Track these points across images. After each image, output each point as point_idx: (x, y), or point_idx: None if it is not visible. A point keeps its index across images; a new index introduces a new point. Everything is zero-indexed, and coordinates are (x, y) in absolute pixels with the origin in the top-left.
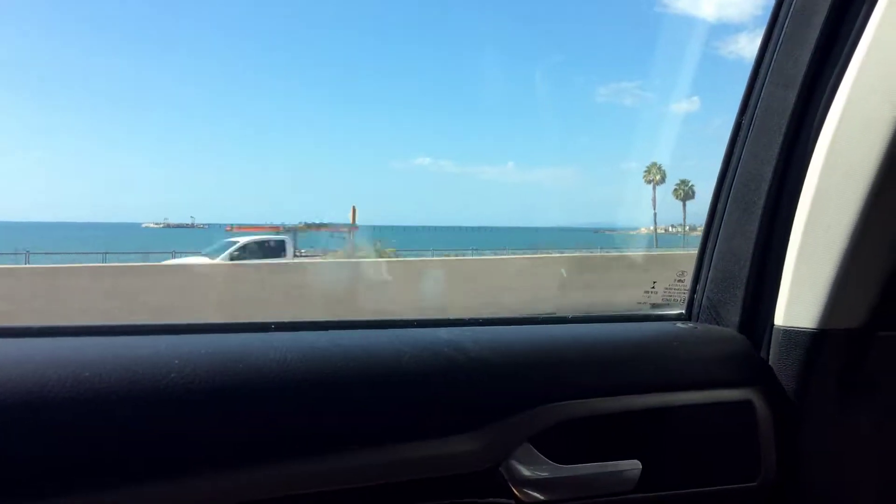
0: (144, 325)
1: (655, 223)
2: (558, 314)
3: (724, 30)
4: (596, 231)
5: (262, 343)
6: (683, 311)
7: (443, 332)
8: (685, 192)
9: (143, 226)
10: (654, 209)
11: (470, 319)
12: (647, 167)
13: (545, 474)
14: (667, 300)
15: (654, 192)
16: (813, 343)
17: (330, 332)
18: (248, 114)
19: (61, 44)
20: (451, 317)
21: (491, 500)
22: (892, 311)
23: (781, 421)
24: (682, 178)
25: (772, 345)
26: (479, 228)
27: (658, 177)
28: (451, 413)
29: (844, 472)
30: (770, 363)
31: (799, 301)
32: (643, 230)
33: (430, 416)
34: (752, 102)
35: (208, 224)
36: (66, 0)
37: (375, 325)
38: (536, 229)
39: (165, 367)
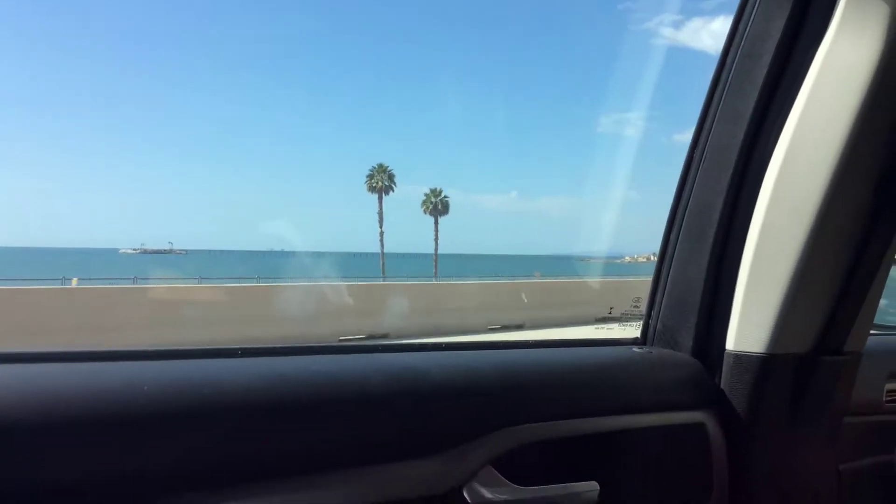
0: (111, 352)
1: (382, 243)
2: (518, 339)
3: None
4: (581, 259)
5: (228, 369)
6: (639, 336)
7: (408, 358)
8: (435, 206)
9: (121, 251)
10: (381, 227)
11: (433, 344)
12: (371, 171)
13: (506, 496)
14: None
15: (381, 204)
16: (762, 367)
17: (297, 357)
18: (235, 137)
19: (39, 66)
20: (416, 342)
21: None
22: (837, 336)
23: (733, 442)
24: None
25: (723, 369)
26: (482, 256)
27: (380, 183)
28: (415, 437)
29: (794, 490)
30: (722, 387)
31: (749, 327)
32: (627, 259)
33: (395, 440)
34: (702, 138)
35: (187, 250)
36: (48, 19)
37: (343, 351)
38: (533, 257)
39: (135, 393)
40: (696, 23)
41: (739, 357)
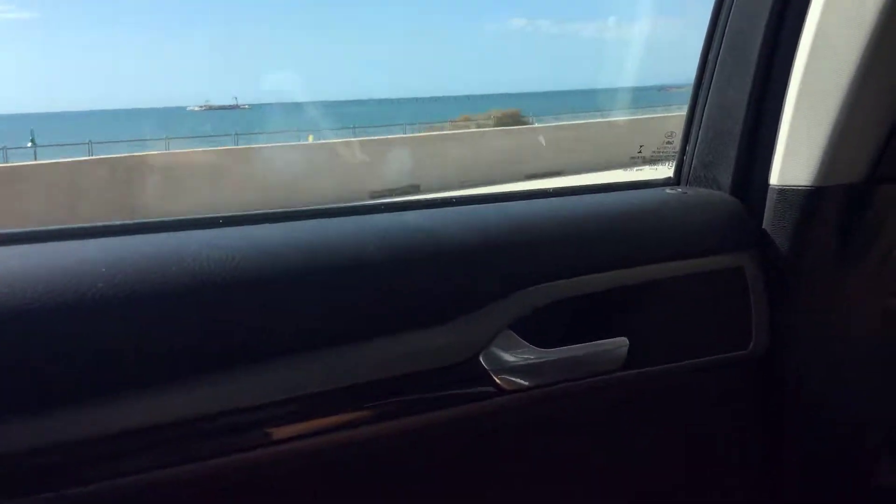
0: (69, 229)
1: None
2: (536, 189)
3: None
4: (660, 89)
5: (204, 241)
6: (672, 176)
7: (411, 216)
8: None
9: (189, 109)
10: None
11: (441, 199)
12: None
13: (528, 359)
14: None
15: None
16: (810, 201)
17: (285, 223)
18: None
19: None
20: (421, 197)
21: (472, 390)
22: (889, 162)
23: (775, 285)
24: None
25: (766, 206)
26: (571, 92)
27: None
28: (423, 304)
29: (839, 331)
30: (764, 226)
31: (796, 158)
32: None
33: (400, 310)
34: None
35: (250, 104)
36: None
37: (336, 213)
38: (616, 90)
39: (91, 276)
40: None
41: (784, 192)
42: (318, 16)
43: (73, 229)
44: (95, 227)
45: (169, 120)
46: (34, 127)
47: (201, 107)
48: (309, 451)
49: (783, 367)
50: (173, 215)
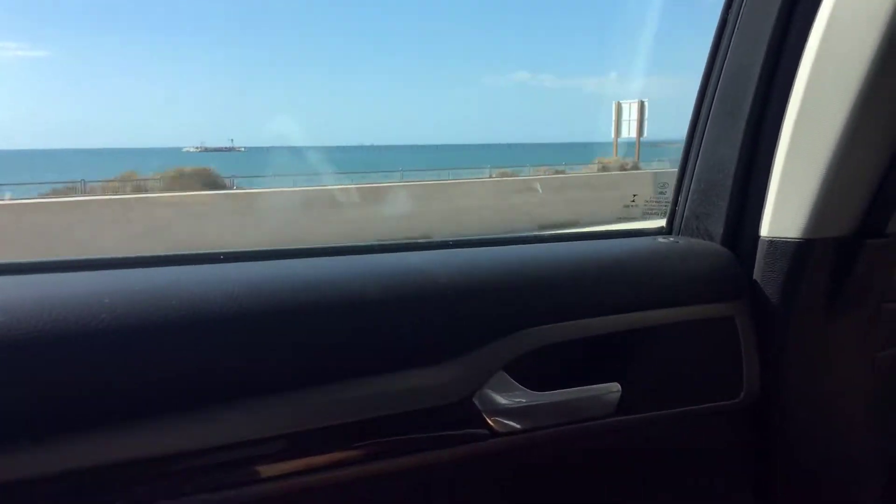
0: (72, 261)
1: None
2: (531, 234)
3: None
4: (653, 145)
5: (206, 276)
6: (664, 226)
7: (410, 257)
8: None
9: (184, 150)
10: None
11: (439, 242)
12: None
13: (521, 402)
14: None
15: None
16: (799, 253)
17: (286, 260)
18: (313, 25)
19: None
20: (420, 240)
21: (465, 431)
22: (879, 218)
23: (765, 335)
24: None
25: (757, 257)
26: (572, 145)
27: None
28: (419, 344)
29: (828, 382)
30: (755, 276)
31: (786, 211)
32: None
33: (397, 349)
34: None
35: (246, 147)
36: None
37: (336, 252)
38: (607, 144)
39: (95, 307)
40: None
41: (774, 244)
42: (320, 64)
43: (77, 261)
44: (99, 260)
45: (166, 160)
46: (31, 163)
47: (197, 148)
48: (299, 488)
49: (774, 415)
50: None
